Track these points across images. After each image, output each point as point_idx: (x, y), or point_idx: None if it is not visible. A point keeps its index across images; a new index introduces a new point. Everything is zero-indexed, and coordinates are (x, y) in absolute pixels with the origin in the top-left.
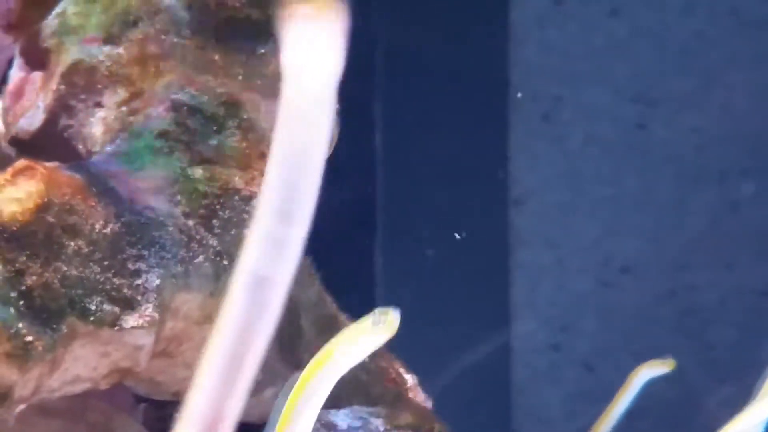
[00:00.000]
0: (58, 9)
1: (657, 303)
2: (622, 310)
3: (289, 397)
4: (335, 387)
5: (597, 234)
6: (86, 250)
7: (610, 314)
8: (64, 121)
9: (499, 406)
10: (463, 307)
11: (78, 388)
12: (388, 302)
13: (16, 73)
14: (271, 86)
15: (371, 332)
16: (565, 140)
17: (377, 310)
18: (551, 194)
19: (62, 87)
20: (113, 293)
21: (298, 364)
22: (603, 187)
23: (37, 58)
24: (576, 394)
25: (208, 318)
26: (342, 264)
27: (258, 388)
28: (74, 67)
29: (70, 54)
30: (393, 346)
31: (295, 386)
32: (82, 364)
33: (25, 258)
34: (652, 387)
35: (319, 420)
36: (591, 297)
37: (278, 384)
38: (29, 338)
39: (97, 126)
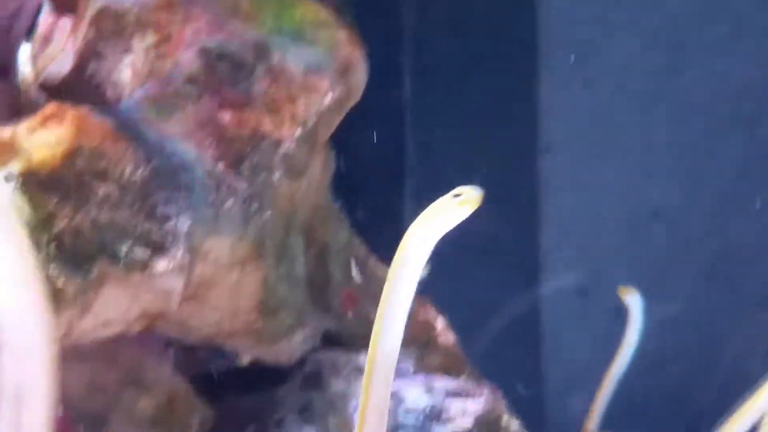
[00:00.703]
0: None
1: (687, 248)
2: (652, 256)
3: (389, 272)
4: (365, 330)
5: (627, 180)
6: (116, 194)
7: (640, 260)
8: (93, 66)
9: (528, 350)
10: (492, 252)
11: (109, 331)
12: None
13: (45, 19)
14: (299, 31)
15: (452, 205)
16: (595, 86)
17: (456, 189)
18: (581, 140)
19: (91, 32)
20: (143, 237)
21: (328, 308)
22: (633, 133)
23: (66, 3)
24: (605, 339)
25: (237, 262)
26: (371, 209)
27: (288, 331)
28: (103, 13)
29: None
30: (423, 290)
31: (393, 262)
32: (112, 308)
33: (55, 203)
34: (682, 332)
35: (349, 364)
36: (621, 243)
37: (308, 327)
38: (60, 282)
39: (125, 71)
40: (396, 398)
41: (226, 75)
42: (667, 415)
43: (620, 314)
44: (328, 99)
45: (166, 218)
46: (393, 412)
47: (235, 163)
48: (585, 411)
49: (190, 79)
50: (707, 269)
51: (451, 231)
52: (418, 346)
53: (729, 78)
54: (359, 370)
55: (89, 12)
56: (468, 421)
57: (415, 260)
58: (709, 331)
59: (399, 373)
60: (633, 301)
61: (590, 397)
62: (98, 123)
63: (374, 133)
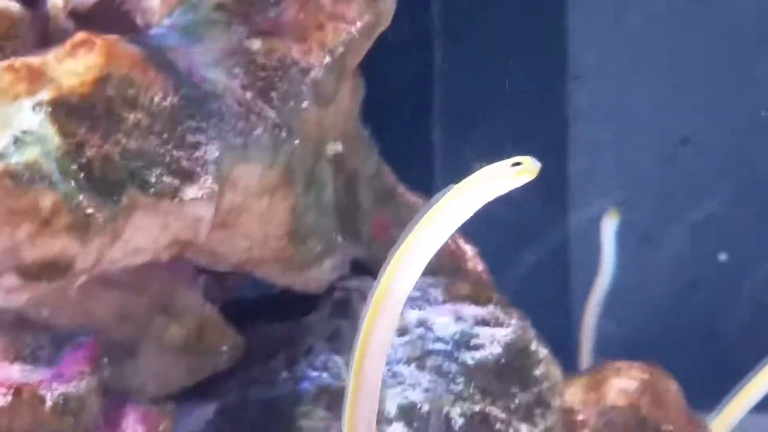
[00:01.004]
0: None
1: (716, 176)
2: (681, 184)
3: (417, 221)
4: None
5: (656, 108)
6: (145, 122)
7: (669, 187)
8: None
9: (558, 279)
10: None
11: (139, 259)
12: (446, 175)
13: None
14: None
15: (509, 173)
16: (625, 14)
17: (515, 158)
18: (610, 68)
19: None
20: (173, 165)
21: (357, 236)
22: (662, 61)
23: None
24: (634, 266)
25: (266, 189)
26: (401, 136)
27: (317, 259)
28: None
29: None
30: None
31: (426, 213)
32: (142, 235)
33: (84, 131)
34: (710, 257)
35: None
36: (650, 170)
37: (337, 254)
38: (90, 210)
39: None
40: (425, 326)
41: (255, 2)
42: (697, 338)
43: (650, 241)
44: (357, 26)
45: (196, 146)
46: (422, 340)
47: (264, 91)
48: (612, 337)
49: (219, 6)
50: (735, 196)
51: (480, 159)
52: (447, 274)
53: (759, 4)
54: None
55: None
56: (497, 349)
57: (450, 221)
58: (736, 258)
59: (428, 301)
60: (606, 226)
61: (618, 324)
62: (127, 51)
63: (404, 62)
